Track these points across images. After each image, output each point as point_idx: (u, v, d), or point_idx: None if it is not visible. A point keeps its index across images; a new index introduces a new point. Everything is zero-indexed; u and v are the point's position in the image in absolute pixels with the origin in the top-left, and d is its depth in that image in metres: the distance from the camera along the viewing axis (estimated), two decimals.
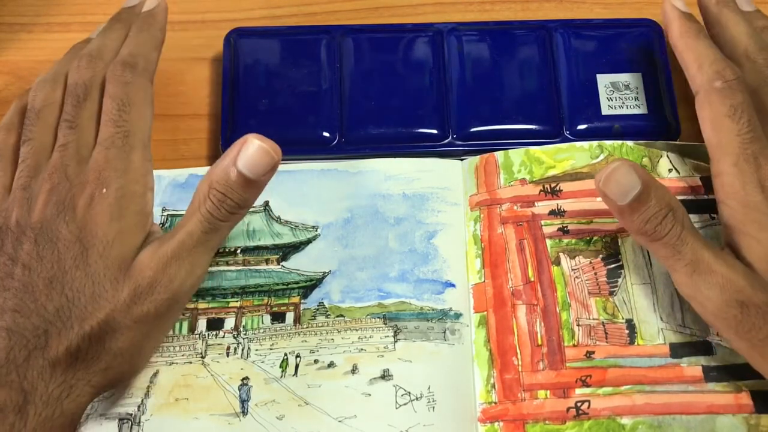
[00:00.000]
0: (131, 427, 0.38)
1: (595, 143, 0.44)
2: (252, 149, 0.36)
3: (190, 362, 0.40)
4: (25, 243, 0.35)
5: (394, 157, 0.45)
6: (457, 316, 0.41)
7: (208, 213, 0.36)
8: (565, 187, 0.43)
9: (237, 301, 0.41)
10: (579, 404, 0.38)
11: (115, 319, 0.34)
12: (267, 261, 0.42)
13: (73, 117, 0.39)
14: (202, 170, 0.44)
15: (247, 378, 0.39)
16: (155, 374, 0.39)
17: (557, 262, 0.41)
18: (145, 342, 0.36)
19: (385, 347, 0.40)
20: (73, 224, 0.35)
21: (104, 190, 0.36)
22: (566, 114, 0.46)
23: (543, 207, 0.43)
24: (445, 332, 0.40)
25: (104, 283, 0.35)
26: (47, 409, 0.33)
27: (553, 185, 0.43)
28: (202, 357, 0.40)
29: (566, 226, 0.42)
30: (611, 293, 0.41)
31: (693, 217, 0.42)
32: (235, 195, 0.36)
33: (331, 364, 0.40)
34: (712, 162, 0.38)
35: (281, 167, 0.44)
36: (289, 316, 0.41)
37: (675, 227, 0.35)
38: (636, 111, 0.46)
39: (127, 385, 0.38)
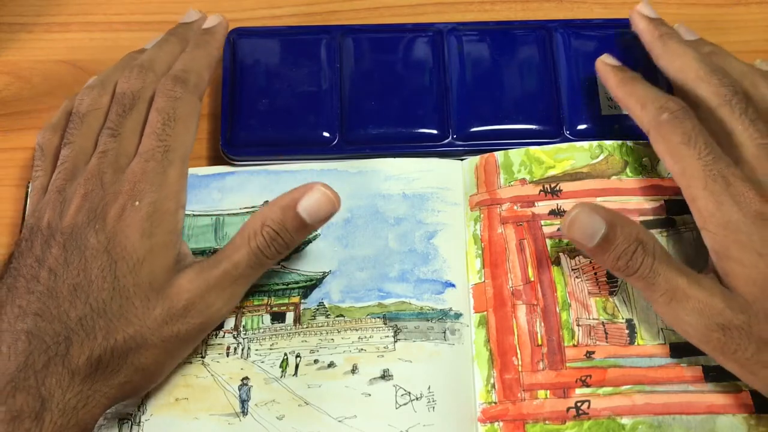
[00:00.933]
0: (131, 427, 0.38)
1: (595, 143, 0.44)
2: (317, 195, 0.37)
3: (190, 362, 0.40)
4: (54, 247, 0.35)
5: (394, 157, 0.45)
6: (457, 316, 0.41)
7: (258, 249, 0.37)
8: (565, 187, 0.43)
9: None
10: (579, 404, 0.38)
11: (142, 336, 0.35)
12: None
13: (117, 125, 0.39)
14: (202, 170, 0.44)
15: (247, 378, 0.39)
16: None
17: (557, 262, 0.41)
18: (168, 360, 0.37)
19: (385, 347, 0.40)
20: (103, 234, 0.35)
21: (137, 203, 0.36)
22: (566, 114, 0.46)
23: (543, 207, 0.43)
24: (445, 332, 0.40)
25: (133, 299, 0.35)
26: (63, 417, 0.32)
27: (553, 185, 0.43)
28: (202, 357, 0.40)
29: None
30: (611, 293, 0.41)
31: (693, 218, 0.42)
32: (288, 236, 0.37)
33: (331, 364, 0.40)
34: (684, 192, 0.38)
35: (281, 167, 0.44)
36: (289, 316, 0.41)
37: (646, 260, 0.35)
38: None
39: (139, 398, 0.38)
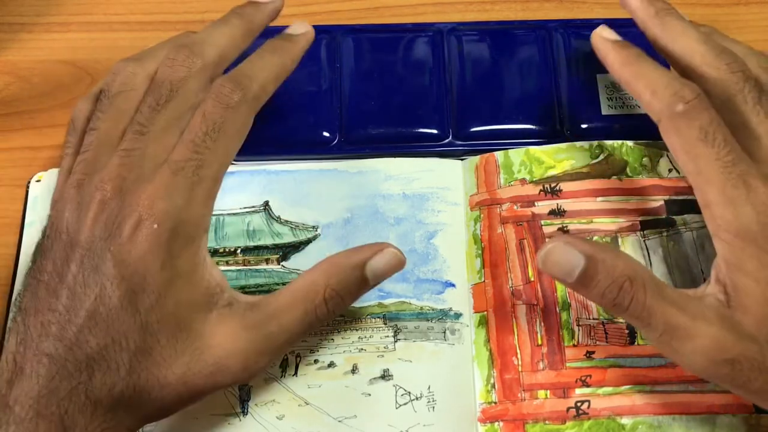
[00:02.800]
0: None
1: (595, 143, 0.44)
2: (388, 258, 0.35)
3: None
4: (72, 263, 0.32)
5: (394, 157, 0.45)
6: (457, 316, 0.41)
7: (316, 312, 0.34)
8: (565, 187, 0.43)
9: None
10: (579, 404, 0.38)
11: (167, 380, 0.32)
12: (267, 261, 0.42)
13: (147, 121, 0.34)
14: None
15: None
16: None
17: None
18: (188, 404, 0.33)
19: (385, 347, 0.40)
20: (119, 257, 0.31)
21: (155, 226, 0.31)
22: (566, 114, 0.46)
23: (543, 207, 0.43)
24: (445, 332, 0.40)
25: (159, 336, 0.31)
26: None
27: (553, 185, 0.43)
28: None
29: (566, 226, 0.42)
30: None
31: (693, 217, 0.42)
32: (350, 299, 0.34)
33: (331, 364, 0.40)
34: (696, 192, 0.34)
35: (281, 167, 0.44)
36: None
37: (636, 297, 0.31)
38: (636, 111, 0.46)
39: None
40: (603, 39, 0.38)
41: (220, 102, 0.34)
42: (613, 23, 0.48)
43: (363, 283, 0.35)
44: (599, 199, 0.42)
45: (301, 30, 0.39)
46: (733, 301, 0.32)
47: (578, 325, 0.40)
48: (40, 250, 0.33)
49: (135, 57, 0.37)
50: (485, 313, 0.41)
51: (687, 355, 0.32)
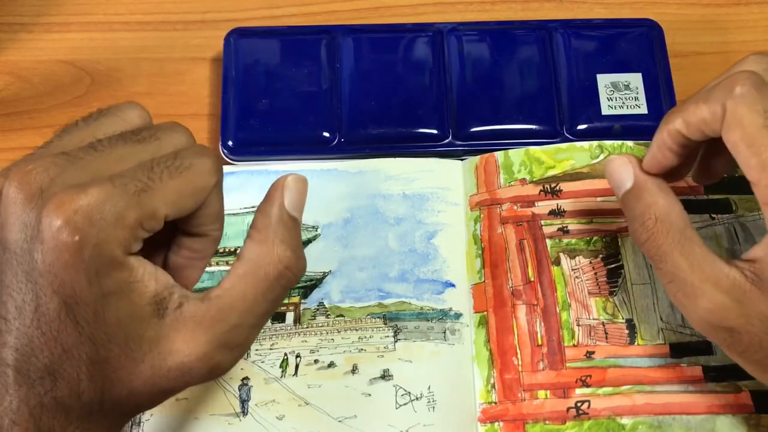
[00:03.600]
0: (131, 427, 0.38)
1: (595, 143, 0.44)
2: (293, 185, 0.32)
3: None
4: (8, 269, 0.29)
5: (394, 157, 0.45)
6: (457, 316, 0.41)
7: (283, 287, 0.31)
8: (565, 187, 0.43)
9: None
10: (579, 404, 0.38)
11: (134, 384, 0.30)
12: None
13: (109, 144, 0.30)
14: None
15: (247, 378, 0.39)
16: None
17: (557, 262, 0.41)
18: (169, 396, 0.32)
19: (385, 347, 0.40)
20: (45, 266, 0.28)
21: (76, 238, 0.28)
22: (566, 114, 0.46)
23: (543, 207, 0.43)
24: (445, 332, 0.40)
25: (110, 346, 0.29)
26: None
27: (553, 185, 0.43)
28: None
29: (566, 226, 0.42)
30: (611, 293, 0.41)
31: (693, 218, 0.42)
32: (300, 248, 0.32)
33: (331, 364, 0.40)
34: (756, 188, 0.31)
35: (281, 167, 0.44)
36: (289, 316, 0.41)
37: (655, 237, 0.33)
38: (636, 111, 0.46)
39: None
40: (625, 161, 0.35)
41: (198, 156, 0.30)
42: (613, 23, 0.49)
43: (295, 224, 0.32)
44: (599, 199, 0.42)
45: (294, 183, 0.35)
46: (763, 285, 0.31)
47: (578, 325, 0.40)
48: None
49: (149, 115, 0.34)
50: (485, 313, 0.41)
51: (688, 310, 0.33)
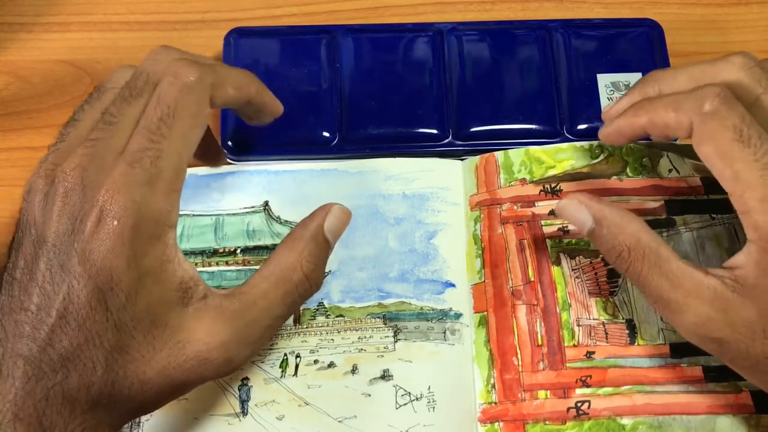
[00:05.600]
0: (131, 427, 0.38)
1: (595, 143, 0.44)
2: (338, 214, 0.35)
3: None
4: (41, 260, 0.30)
5: (394, 157, 0.45)
6: (457, 316, 0.41)
7: (296, 292, 0.33)
8: (565, 187, 0.43)
9: None
10: (579, 404, 0.38)
11: (147, 376, 0.30)
12: None
13: (117, 111, 0.32)
14: (202, 170, 0.44)
15: (246, 378, 0.39)
16: None
17: (557, 262, 0.41)
18: (174, 397, 0.33)
19: (385, 347, 0.40)
20: (83, 256, 0.30)
21: (115, 222, 0.30)
22: (566, 114, 0.46)
23: (543, 207, 0.43)
24: (445, 332, 0.40)
25: (134, 333, 0.30)
26: None
27: (553, 185, 0.43)
28: None
29: (566, 226, 0.42)
30: (611, 293, 0.41)
31: (693, 218, 0.42)
32: (323, 267, 0.34)
33: (331, 364, 0.40)
34: (732, 198, 0.33)
35: (281, 167, 0.44)
36: None
37: (633, 265, 0.33)
38: None
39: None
40: (605, 130, 0.38)
41: (175, 80, 0.32)
42: (613, 23, 0.49)
43: (326, 246, 0.35)
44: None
45: (278, 106, 0.39)
46: (745, 292, 0.32)
47: (578, 325, 0.40)
48: (15, 243, 0.32)
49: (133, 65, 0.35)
50: (485, 313, 0.41)
51: (677, 325, 0.33)
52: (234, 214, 0.43)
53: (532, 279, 0.41)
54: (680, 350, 0.39)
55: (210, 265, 0.42)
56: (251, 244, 0.43)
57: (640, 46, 0.47)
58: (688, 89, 0.34)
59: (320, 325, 0.41)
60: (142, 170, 0.30)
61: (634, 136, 0.37)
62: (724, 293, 0.32)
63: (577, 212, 0.35)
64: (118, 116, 0.32)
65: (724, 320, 0.32)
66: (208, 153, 0.43)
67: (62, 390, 0.30)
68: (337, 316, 0.41)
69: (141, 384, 0.31)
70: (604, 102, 0.46)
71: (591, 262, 0.41)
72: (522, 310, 0.40)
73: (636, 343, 0.39)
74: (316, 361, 0.40)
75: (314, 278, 0.34)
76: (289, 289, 0.33)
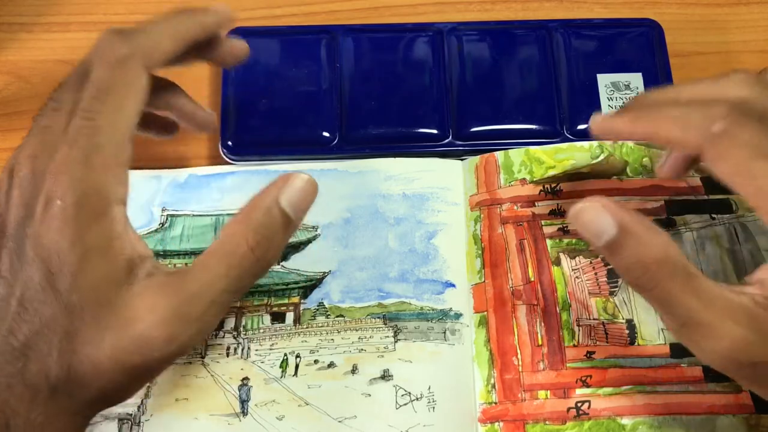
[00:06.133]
0: (131, 427, 0.38)
1: (595, 143, 0.44)
2: (300, 184, 0.32)
3: (190, 362, 0.40)
4: (3, 251, 0.31)
5: (394, 157, 0.45)
6: (457, 316, 0.41)
7: (242, 267, 0.31)
8: (565, 187, 0.43)
9: (237, 302, 0.41)
10: (579, 404, 0.38)
11: (99, 361, 0.30)
12: None
13: (60, 97, 0.32)
14: (202, 170, 0.44)
15: (247, 378, 0.39)
16: None
17: (557, 262, 0.41)
18: (134, 384, 0.32)
19: (385, 347, 0.40)
20: (35, 240, 0.30)
21: (58, 202, 0.30)
22: (566, 114, 0.46)
23: (543, 207, 0.43)
24: (445, 332, 0.40)
25: (83, 315, 0.30)
26: None
27: (553, 185, 0.43)
28: (202, 357, 0.40)
29: (566, 226, 0.42)
30: (611, 293, 0.41)
31: (693, 217, 0.42)
32: (277, 244, 0.31)
33: (331, 365, 0.40)
34: (759, 213, 0.31)
35: (281, 167, 0.44)
36: (289, 316, 0.41)
37: (662, 283, 0.29)
38: None
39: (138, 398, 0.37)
40: (600, 120, 0.35)
41: (105, 59, 0.32)
42: (613, 23, 0.49)
43: (285, 220, 0.31)
44: None
45: (220, 8, 0.37)
46: None
47: (578, 325, 0.40)
48: None
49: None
50: (485, 313, 0.41)
51: (707, 351, 0.30)
52: (234, 214, 0.43)
53: (532, 279, 0.41)
54: (680, 350, 0.39)
55: None
56: None
57: (640, 46, 0.47)
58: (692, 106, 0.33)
59: (320, 325, 0.41)
60: (79, 149, 0.30)
61: (626, 139, 0.35)
62: (758, 313, 0.30)
63: (597, 218, 0.30)
64: (60, 102, 0.32)
65: (762, 341, 0.29)
66: (166, 121, 0.39)
67: (22, 378, 0.29)
68: (337, 316, 0.41)
69: (94, 368, 0.30)
70: (604, 102, 0.46)
71: (591, 262, 0.41)
72: (522, 310, 0.40)
73: (636, 343, 0.39)
74: (316, 361, 0.40)
75: (261, 253, 0.31)
76: (233, 262, 0.31)
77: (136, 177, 0.42)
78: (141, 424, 0.38)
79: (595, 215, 0.30)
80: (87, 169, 0.30)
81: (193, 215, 0.43)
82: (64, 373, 0.30)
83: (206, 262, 0.31)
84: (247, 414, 0.38)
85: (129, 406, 0.38)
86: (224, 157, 0.45)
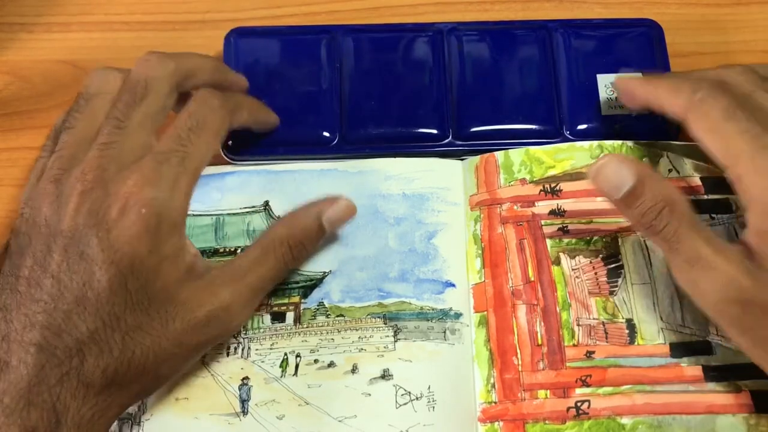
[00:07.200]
0: (131, 427, 0.38)
1: (595, 143, 0.44)
2: (343, 206, 0.40)
3: None
4: (55, 252, 0.33)
5: (394, 157, 0.45)
6: (457, 315, 0.41)
7: (284, 261, 0.38)
8: (565, 187, 0.43)
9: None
10: (579, 404, 0.38)
11: (161, 346, 0.34)
12: None
13: (123, 116, 0.35)
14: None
15: (247, 378, 0.39)
16: None
17: (557, 262, 0.41)
18: (183, 365, 0.36)
19: (385, 347, 0.40)
20: (107, 243, 0.32)
21: (143, 211, 0.33)
22: (566, 114, 0.46)
23: (543, 207, 0.43)
24: (445, 332, 0.40)
25: (149, 311, 0.33)
26: (78, 430, 0.31)
27: (553, 185, 0.43)
28: (203, 356, 0.40)
29: (566, 226, 0.42)
30: (611, 293, 0.41)
31: None
32: (312, 247, 0.40)
33: (331, 364, 0.40)
34: (727, 171, 0.35)
35: (281, 167, 0.44)
36: (289, 316, 0.41)
37: (671, 223, 0.34)
38: (636, 111, 0.46)
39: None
40: (621, 79, 0.43)
41: (204, 103, 0.37)
42: (613, 23, 0.49)
43: (320, 230, 0.39)
44: (599, 199, 0.42)
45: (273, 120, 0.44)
46: (762, 262, 0.33)
47: (578, 325, 0.40)
48: (14, 248, 0.34)
49: (108, 66, 0.38)
50: (485, 313, 0.41)
51: (702, 286, 0.34)
52: (234, 214, 0.43)
53: (532, 279, 0.41)
54: (680, 350, 0.39)
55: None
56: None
57: (640, 46, 0.47)
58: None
59: (320, 324, 0.41)
60: (169, 167, 0.34)
61: (635, 98, 0.41)
62: (745, 259, 0.33)
63: (619, 170, 0.35)
64: (125, 120, 0.35)
65: (752, 282, 0.33)
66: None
67: (77, 374, 0.31)
68: (338, 316, 0.41)
69: (155, 356, 0.33)
70: (604, 102, 0.46)
71: (591, 262, 0.41)
72: (522, 310, 0.40)
73: (636, 343, 0.39)
74: (316, 361, 0.40)
75: (297, 253, 0.39)
76: (278, 257, 0.38)
77: None
78: (141, 423, 0.38)
79: (617, 168, 0.35)
80: (173, 188, 0.34)
81: (193, 215, 0.43)
82: (123, 368, 0.33)
83: (260, 257, 0.38)
84: (247, 413, 0.38)
85: None
86: (224, 157, 0.45)
